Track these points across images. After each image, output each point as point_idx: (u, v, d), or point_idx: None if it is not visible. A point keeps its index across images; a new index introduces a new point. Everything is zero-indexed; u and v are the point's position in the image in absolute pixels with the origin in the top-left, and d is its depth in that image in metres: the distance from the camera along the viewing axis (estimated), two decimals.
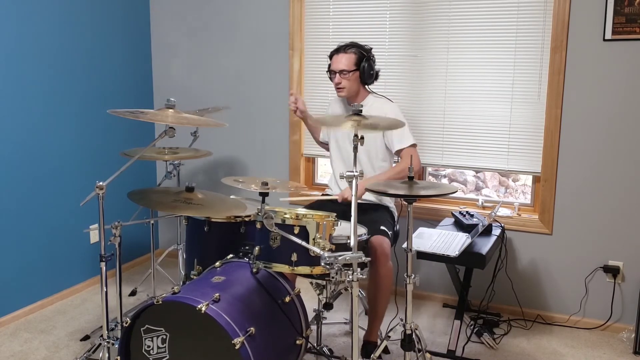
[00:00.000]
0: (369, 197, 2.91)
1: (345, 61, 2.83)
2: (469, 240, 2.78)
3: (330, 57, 2.92)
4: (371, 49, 2.92)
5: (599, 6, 2.96)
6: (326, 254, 1.98)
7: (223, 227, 2.57)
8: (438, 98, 3.35)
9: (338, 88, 2.88)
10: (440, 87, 3.34)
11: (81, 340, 2.95)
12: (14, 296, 3.17)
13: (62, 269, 3.46)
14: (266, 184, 2.24)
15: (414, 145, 2.91)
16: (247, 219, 2.56)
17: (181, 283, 2.65)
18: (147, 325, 2.14)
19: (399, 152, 2.91)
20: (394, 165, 3.02)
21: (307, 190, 3.77)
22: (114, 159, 3.66)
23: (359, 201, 2.81)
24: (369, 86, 2.99)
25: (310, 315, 2.59)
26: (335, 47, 2.92)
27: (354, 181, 2.03)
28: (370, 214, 2.83)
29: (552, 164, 3.16)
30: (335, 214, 2.19)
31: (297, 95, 3.01)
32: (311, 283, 2.27)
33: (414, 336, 2.34)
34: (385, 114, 2.84)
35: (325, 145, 3.20)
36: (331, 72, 2.90)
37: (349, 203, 2.83)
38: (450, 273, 3.31)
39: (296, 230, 2.09)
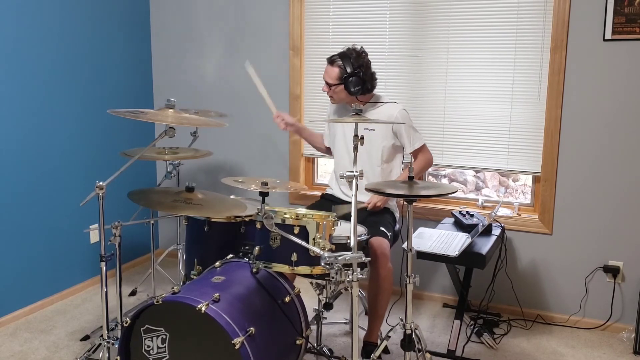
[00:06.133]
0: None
1: (331, 74, 2.82)
2: (469, 240, 2.78)
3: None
4: (362, 64, 2.77)
5: (599, 6, 2.96)
6: (326, 254, 1.98)
7: (223, 227, 2.57)
8: (438, 98, 3.35)
9: (329, 96, 2.92)
10: (440, 87, 3.34)
11: (81, 340, 2.95)
12: (14, 296, 3.17)
13: (62, 269, 3.46)
14: (266, 184, 2.24)
15: (424, 145, 2.95)
16: (247, 219, 2.56)
17: (181, 283, 2.65)
18: (147, 325, 2.14)
19: (411, 154, 2.90)
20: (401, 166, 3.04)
21: (307, 190, 3.78)
22: (114, 159, 3.66)
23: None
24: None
25: (310, 315, 2.59)
26: (335, 52, 2.85)
27: (354, 181, 2.03)
28: (370, 215, 2.83)
29: (552, 164, 3.16)
30: (335, 214, 2.19)
31: (279, 112, 3.04)
32: (311, 283, 2.27)
33: (414, 336, 2.34)
34: (394, 119, 2.84)
35: (330, 150, 3.17)
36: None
37: (377, 210, 2.81)
38: (450, 273, 3.31)
39: (296, 230, 2.09)
